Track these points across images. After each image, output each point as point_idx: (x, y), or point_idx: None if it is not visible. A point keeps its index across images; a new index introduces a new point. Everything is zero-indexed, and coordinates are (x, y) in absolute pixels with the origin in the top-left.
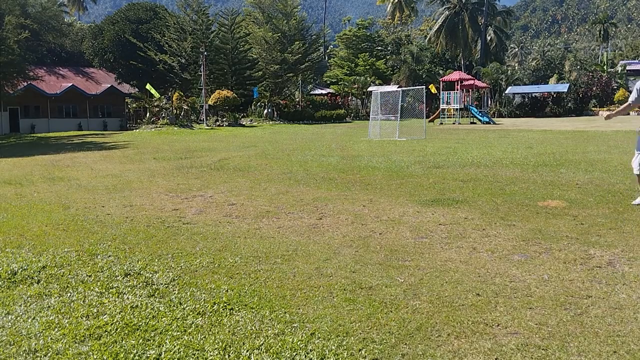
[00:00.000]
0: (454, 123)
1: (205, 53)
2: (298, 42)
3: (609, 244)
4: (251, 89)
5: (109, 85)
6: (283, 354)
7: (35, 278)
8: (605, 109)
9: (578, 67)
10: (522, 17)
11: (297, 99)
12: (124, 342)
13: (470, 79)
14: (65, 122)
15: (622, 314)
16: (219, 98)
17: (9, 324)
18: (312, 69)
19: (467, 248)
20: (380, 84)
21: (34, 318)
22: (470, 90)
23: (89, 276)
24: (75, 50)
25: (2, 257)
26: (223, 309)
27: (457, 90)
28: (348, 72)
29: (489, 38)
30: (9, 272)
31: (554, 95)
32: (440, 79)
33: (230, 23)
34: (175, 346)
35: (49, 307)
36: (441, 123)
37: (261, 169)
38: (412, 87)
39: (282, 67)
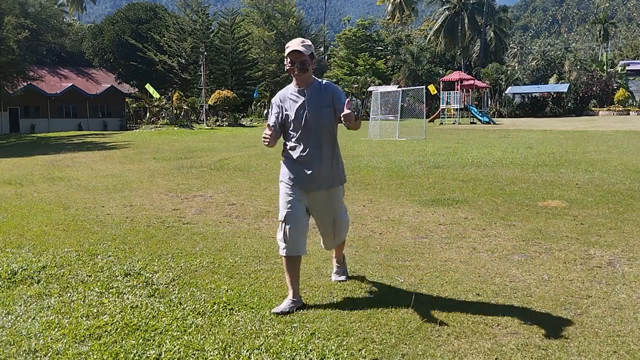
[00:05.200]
0: (454, 123)
1: (205, 53)
2: None
3: (609, 244)
4: (251, 89)
5: (109, 85)
6: (283, 354)
7: (35, 278)
8: (605, 108)
9: (578, 67)
10: (522, 17)
11: None
12: (124, 342)
13: (470, 79)
14: (65, 122)
15: (622, 314)
16: (219, 98)
17: (9, 324)
18: None
19: (467, 248)
20: (380, 84)
21: (34, 318)
22: (470, 90)
23: (89, 276)
24: (75, 50)
25: (2, 257)
26: (223, 309)
27: (457, 90)
28: (348, 72)
29: (488, 38)
30: (9, 272)
31: (554, 95)
32: (440, 79)
33: (230, 23)
34: (175, 346)
35: (49, 307)
36: (441, 123)
37: (261, 169)
38: (412, 87)
39: (279, 66)
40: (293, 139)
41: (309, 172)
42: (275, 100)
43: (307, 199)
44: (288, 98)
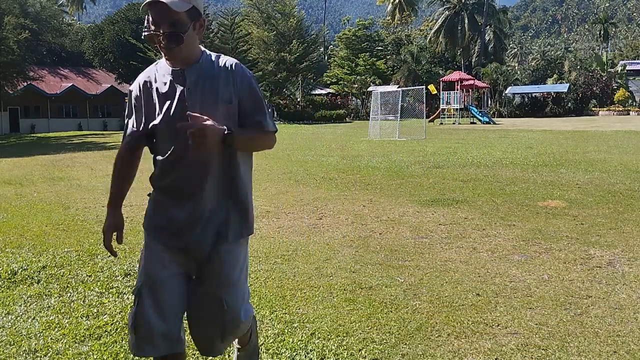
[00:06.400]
0: (454, 123)
1: None
2: (296, 42)
3: (609, 244)
4: None
5: (109, 85)
6: (283, 354)
7: (35, 278)
8: (605, 109)
9: (578, 67)
10: (522, 17)
11: (297, 99)
12: (124, 342)
13: (470, 79)
14: (65, 122)
15: (622, 314)
16: None
17: (9, 324)
18: (312, 69)
19: (467, 248)
20: (380, 84)
21: (34, 318)
22: (470, 90)
23: (89, 276)
24: (75, 50)
25: (2, 257)
26: None
27: (457, 90)
28: (348, 71)
29: (487, 38)
30: (9, 272)
31: (554, 96)
32: (440, 79)
33: (230, 23)
34: None
35: (49, 307)
36: (441, 123)
37: (261, 169)
38: (412, 87)
39: (279, 66)
40: (161, 157)
41: (181, 216)
42: (134, 86)
43: (183, 259)
44: (154, 84)
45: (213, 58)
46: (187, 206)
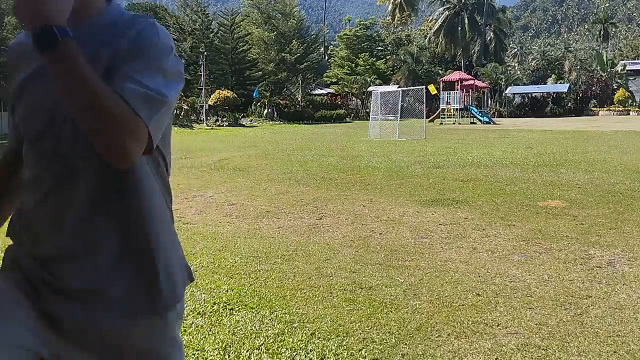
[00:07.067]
0: (454, 123)
1: (205, 53)
2: (296, 42)
3: (609, 244)
4: (251, 89)
5: None
6: (283, 354)
7: None
8: (605, 109)
9: (578, 67)
10: (522, 17)
11: (298, 99)
12: None
13: (470, 79)
14: None
15: (622, 314)
16: (219, 98)
17: None
18: (312, 69)
19: (467, 248)
20: (380, 84)
21: None
22: (470, 90)
23: None
24: None
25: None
26: (223, 309)
27: (457, 90)
28: (348, 71)
29: (487, 38)
30: None
31: (554, 96)
32: (440, 79)
33: (230, 23)
34: None
35: None
36: (441, 123)
37: (261, 169)
38: (412, 87)
39: (279, 66)
40: (25, 186)
41: (45, 275)
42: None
43: (51, 342)
44: (24, 58)
45: (121, 19)
46: (49, 262)
